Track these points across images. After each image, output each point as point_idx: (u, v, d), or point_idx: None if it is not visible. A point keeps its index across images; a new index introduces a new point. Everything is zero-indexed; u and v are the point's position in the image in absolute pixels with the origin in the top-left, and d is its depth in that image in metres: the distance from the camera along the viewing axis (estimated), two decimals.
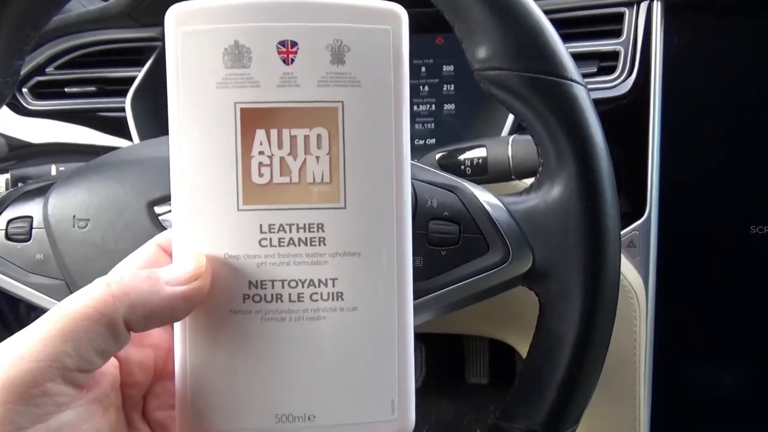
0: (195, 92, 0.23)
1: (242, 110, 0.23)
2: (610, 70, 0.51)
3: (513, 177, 0.39)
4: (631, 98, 0.51)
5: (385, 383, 0.24)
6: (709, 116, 0.49)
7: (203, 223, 0.23)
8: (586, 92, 0.29)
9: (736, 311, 0.49)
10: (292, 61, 0.23)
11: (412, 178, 0.30)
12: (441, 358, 0.77)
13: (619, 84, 0.51)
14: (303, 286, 0.23)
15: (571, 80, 0.29)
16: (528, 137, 0.39)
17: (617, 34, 0.51)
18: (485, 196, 0.30)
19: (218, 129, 0.23)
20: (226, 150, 0.23)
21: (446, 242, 0.30)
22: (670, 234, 0.48)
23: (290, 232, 0.23)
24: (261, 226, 0.23)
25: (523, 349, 0.55)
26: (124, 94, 0.55)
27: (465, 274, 0.30)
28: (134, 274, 0.22)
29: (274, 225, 0.23)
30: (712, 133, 0.49)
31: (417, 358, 0.74)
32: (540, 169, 0.30)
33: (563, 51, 0.29)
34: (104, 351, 0.21)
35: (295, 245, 0.23)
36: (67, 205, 0.32)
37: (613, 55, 0.51)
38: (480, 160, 0.40)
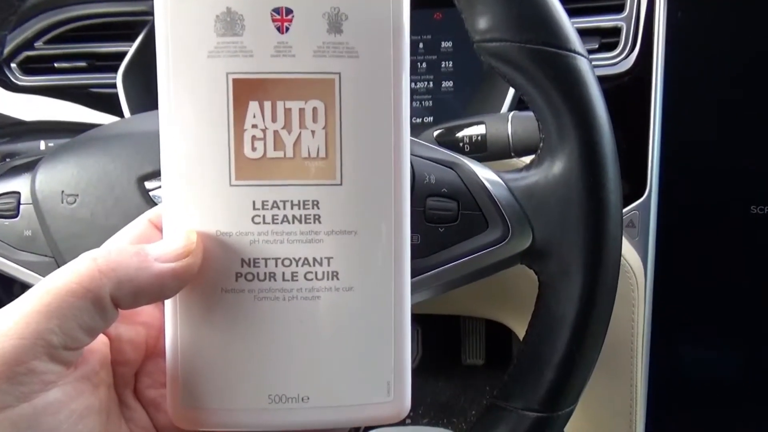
0: (185, 62, 0.22)
1: (234, 81, 0.22)
2: (612, 47, 0.50)
3: (512, 154, 0.38)
4: (633, 75, 0.50)
5: (381, 364, 0.23)
6: (711, 94, 0.49)
7: (194, 199, 0.22)
8: (590, 65, 0.29)
9: (736, 292, 0.49)
10: (287, 29, 0.22)
11: (410, 154, 0.29)
12: (437, 339, 0.77)
13: (621, 61, 0.50)
14: (297, 265, 0.23)
15: (575, 52, 0.28)
16: (528, 114, 0.38)
17: (619, 9, 0.50)
18: (485, 173, 0.30)
19: (209, 101, 0.22)
20: (217, 123, 0.22)
21: (444, 219, 0.29)
22: (670, 214, 0.48)
23: (284, 208, 0.22)
24: (254, 202, 0.22)
25: (520, 330, 0.55)
26: (115, 69, 0.54)
27: (463, 252, 0.29)
28: (122, 249, 0.21)
29: (267, 201, 0.22)
30: (715, 111, 0.49)
31: (413, 339, 0.73)
32: (541, 144, 0.30)
33: (566, 22, 0.28)
34: (91, 328, 0.21)
35: (289, 222, 0.22)
36: (55, 180, 0.31)
37: (615, 31, 0.50)
38: (479, 137, 0.39)
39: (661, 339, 0.49)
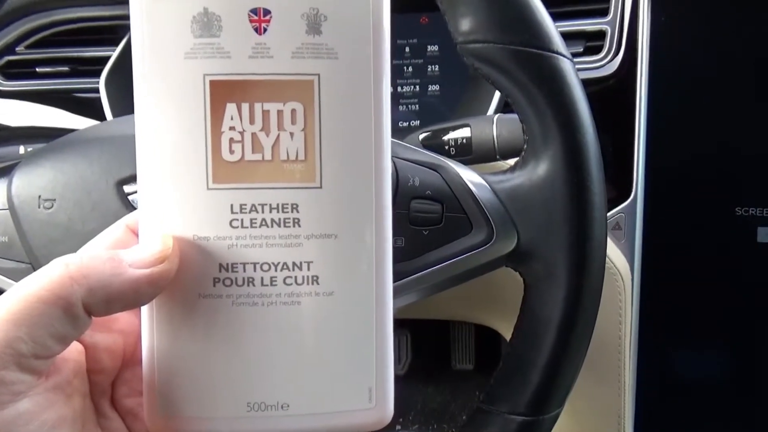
0: (161, 63, 0.22)
1: (212, 83, 0.22)
2: (597, 50, 0.50)
3: (498, 157, 0.38)
4: (618, 79, 0.50)
5: (362, 370, 0.23)
6: (696, 97, 0.49)
7: (171, 203, 0.22)
8: (573, 66, 0.29)
9: (722, 294, 0.49)
10: (265, 30, 0.22)
11: (393, 156, 0.29)
12: (427, 344, 0.77)
13: (605, 64, 0.50)
14: (276, 270, 0.22)
15: (558, 53, 0.28)
16: (513, 116, 0.38)
17: (604, 12, 0.51)
18: (469, 175, 0.30)
19: (186, 102, 0.22)
20: (194, 125, 0.22)
21: (429, 222, 0.29)
22: (656, 216, 0.48)
23: (263, 212, 0.22)
24: (232, 206, 0.22)
25: (508, 334, 0.54)
26: (98, 74, 0.53)
27: (448, 255, 0.29)
28: (95, 255, 0.21)
29: (245, 205, 0.22)
30: (700, 113, 0.49)
31: (403, 344, 0.73)
32: (525, 146, 0.29)
33: (549, 23, 0.28)
34: (62, 336, 0.20)
35: (267, 226, 0.22)
36: (31, 184, 0.31)
37: (600, 35, 0.50)
38: (464, 140, 0.39)
39: (648, 341, 0.49)
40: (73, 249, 0.23)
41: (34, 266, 0.30)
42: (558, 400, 0.29)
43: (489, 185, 0.29)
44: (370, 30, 0.22)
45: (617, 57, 0.50)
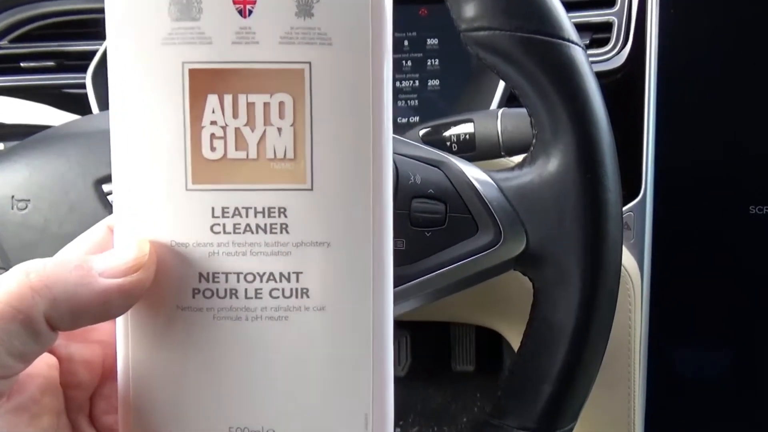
0: (136, 50, 0.20)
1: (191, 71, 0.20)
2: (603, 42, 0.49)
3: (503, 153, 0.37)
4: (625, 72, 0.48)
5: (358, 394, 0.21)
6: (707, 91, 0.47)
7: (146, 205, 0.20)
8: (585, 55, 0.27)
9: (736, 295, 0.47)
10: (250, 12, 0.20)
11: (393, 153, 0.27)
12: (427, 345, 0.76)
13: (612, 57, 0.48)
14: (262, 281, 0.20)
15: (568, 41, 0.26)
16: (519, 110, 0.36)
17: (611, 3, 0.49)
18: (474, 172, 0.28)
19: (163, 93, 0.20)
20: (172, 118, 0.20)
21: (431, 222, 0.27)
22: (666, 215, 0.46)
23: (247, 216, 0.20)
24: (213, 209, 0.20)
25: (510, 336, 0.53)
26: (84, 69, 0.52)
27: (452, 258, 0.27)
28: (61, 263, 0.19)
29: (228, 208, 0.20)
30: (711, 108, 0.47)
31: (402, 345, 0.72)
32: (533, 141, 0.28)
33: (560, 8, 0.27)
34: (22, 353, 0.18)
35: (252, 232, 0.20)
36: (4, 183, 0.29)
37: (606, 27, 0.49)
38: (467, 136, 0.37)
39: (658, 343, 0.47)
40: (50, 252, 0.21)
41: (7, 270, 0.29)
42: (572, 414, 0.27)
43: (495, 183, 0.28)
44: (368, 12, 0.20)
45: (624, 50, 0.48)
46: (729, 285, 0.47)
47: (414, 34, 0.55)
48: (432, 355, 0.77)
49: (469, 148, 0.37)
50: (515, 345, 0.50)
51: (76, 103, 0.56)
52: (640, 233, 0.46)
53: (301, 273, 0.20)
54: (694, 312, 0.48)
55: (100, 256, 0.20)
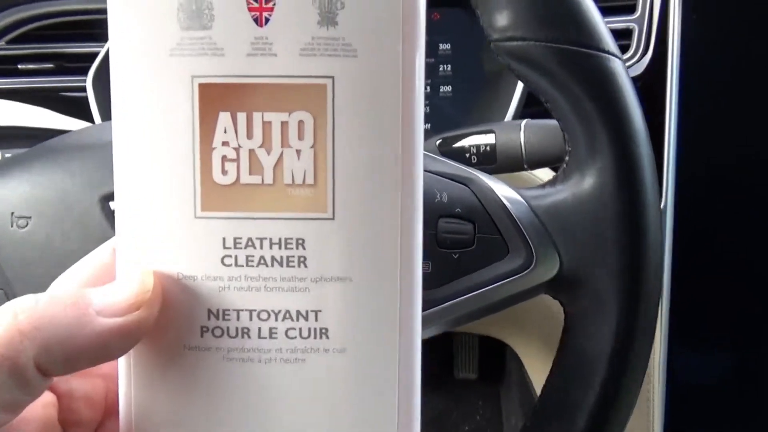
0: (140, 62, 0.18)
1: (201, 86, 0.18)
2: (624, 50, 0.47)
3: (525, 166, 0.35)
4: (646, 80, 0.47)
5: None
6: (729, 98, 0.46)
7: (151, 234, 0.18)
8: (624, 67, 0.25)
9: (756, 301, 0.46)
10: (267, 20, 0.18)
11: None
12: (429, 352, 0.75)
13: (633, 64, 0.47)
14: (276, 319, 0.18)
15: (607, 52, 0.25)
16: (543, 122, 0.35)
17: (631, 9, 0.48)
18: (503, 190, 0.26)
19: (171, 111, 0.18)
20: (179, 139, 0.18)
21: (459, 244, 0.26)
22: (687, 226, 0.45)
23: (261, 248, 0.18)
24: (224, 239, 0.18)
25: (515, 344, 0.52)
26: (85, 71, 0.50)
27: (481, 282, 0.26)
28: (55, 299, 0.17)
29: (240, 239, 0.18)
30: (733, 116, 0.46)
31: None
32: (567, 157, 0.26)
33: (598, 18, 0.25)
34: (10, 404, 0.16)
35: (267, 266, 0.18)
36: (4, 200, 0.27)
37: (627, 33, 0.48)
38: (488, 147, 0.36)
39: (678, 351, 0.46)
40: (51, 272, 0.20)
41: (7, 293, 0.27)
42: None
43: (526, 201, 0.26)
44: (399, 20, 0.18)
45: (645, 57, 0.47)
46: (755, 292, 0.46)
47: (426, 38, 0.53)
48: (434, 363, 0.76)
49: (489, 161, 0.36)
50: (520, 353, 0.49)
51: (76, 107, 0.54)
52: None
53: (320, 311, 0.19)
54: (716, 318, 0.47)
55: (99, 290, 0.18)
